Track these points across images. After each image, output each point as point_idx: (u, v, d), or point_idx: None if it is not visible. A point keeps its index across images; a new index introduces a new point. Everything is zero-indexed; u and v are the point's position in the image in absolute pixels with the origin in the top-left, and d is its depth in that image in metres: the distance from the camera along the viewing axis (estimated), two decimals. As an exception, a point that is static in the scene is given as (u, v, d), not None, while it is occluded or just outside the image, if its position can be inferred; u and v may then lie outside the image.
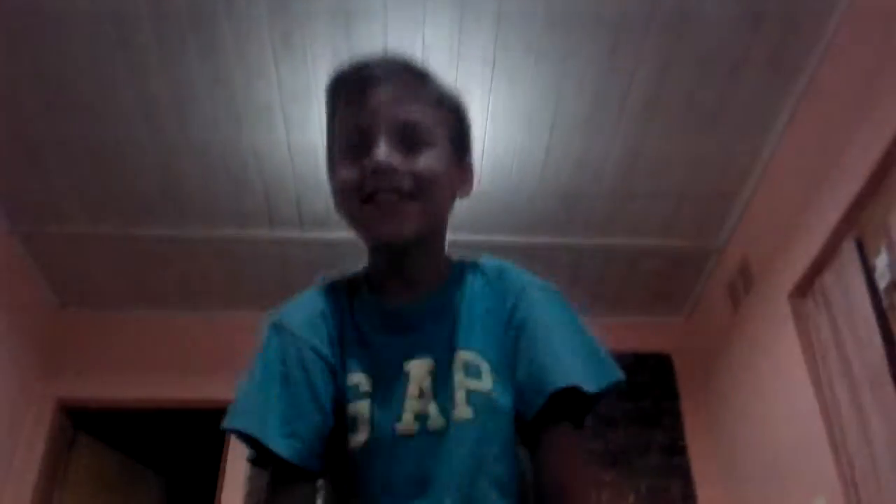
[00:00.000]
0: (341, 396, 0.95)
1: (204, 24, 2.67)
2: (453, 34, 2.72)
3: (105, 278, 3.84)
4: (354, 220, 1.00)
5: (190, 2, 2.61)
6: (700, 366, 3.96)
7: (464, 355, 0.96)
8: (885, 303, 2.41)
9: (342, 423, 0.94)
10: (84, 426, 3.97)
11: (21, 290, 3.69)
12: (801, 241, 2.89)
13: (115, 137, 3.09)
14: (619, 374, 0.96)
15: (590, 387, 0.93)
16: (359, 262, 1.08)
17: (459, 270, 1.05)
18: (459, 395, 0.93)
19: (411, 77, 1.02)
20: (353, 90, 0.99)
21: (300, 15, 2.66)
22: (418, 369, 0.96)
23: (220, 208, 3.44)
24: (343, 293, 1.03)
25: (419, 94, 1.00)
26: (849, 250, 2.62)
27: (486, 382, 0.95)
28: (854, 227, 2.60)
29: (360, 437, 0.93)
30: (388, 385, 0.95)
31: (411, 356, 0.97)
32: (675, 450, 3.79)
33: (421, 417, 0.93)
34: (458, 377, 0.95)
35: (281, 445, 0.89)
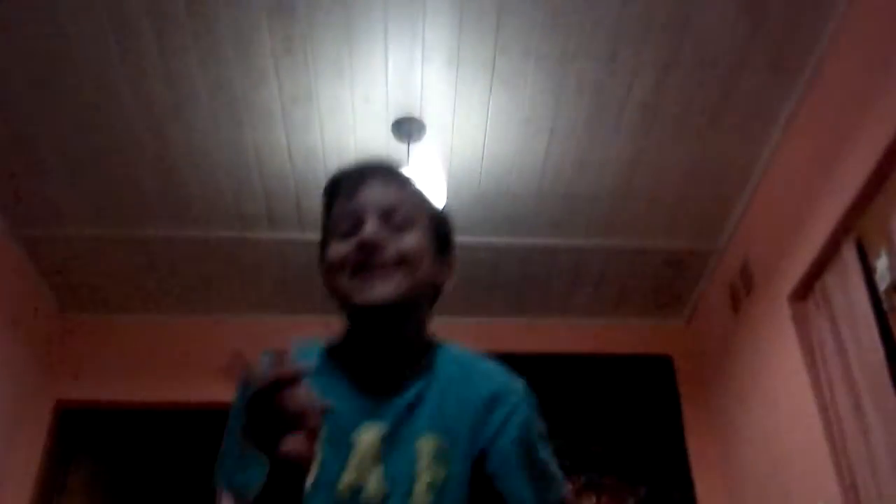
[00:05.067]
0: None
1: (205, 26, 2.67)
2: (453, 37, 2.72)
3: (105, 281, 3.84)
4: (341, 291, 1.03)
5: (190, 4, 2.62)
6: (701, 368, 3.96)
7: (431, 441, 0.99)
8: (886, 305, 2.41)
9: None
10: (84, 428, 3.97)
11: (21, 292, 3.69)
12: (801, 243, 2.89)
13: (115, 140, 3.09)
14: (564, 491, 1.06)
15: None
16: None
17: (433, 358, 1.08)
18: (419, 487, 0.97)
19: (396, 175, 1.13)
20: (347, 186, 1.10)
21: (301, 18, 2.66)
22: (368, 436, 0.99)
23: (221, 210, 3.44)
24: (313, 357, 1.04)
25: (403, 186, 1.11)
26: (849, 252, 2.61)
27: (442, 470, 0.98)
28: (854, 228, 2.60)
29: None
30: (336, 445, 0.97)
31: (363, 422, 1.00)
32: (676, 453, 3.78)
33: (356, 488, 0.96)
34: (423, 463, 0.98)
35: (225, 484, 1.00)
